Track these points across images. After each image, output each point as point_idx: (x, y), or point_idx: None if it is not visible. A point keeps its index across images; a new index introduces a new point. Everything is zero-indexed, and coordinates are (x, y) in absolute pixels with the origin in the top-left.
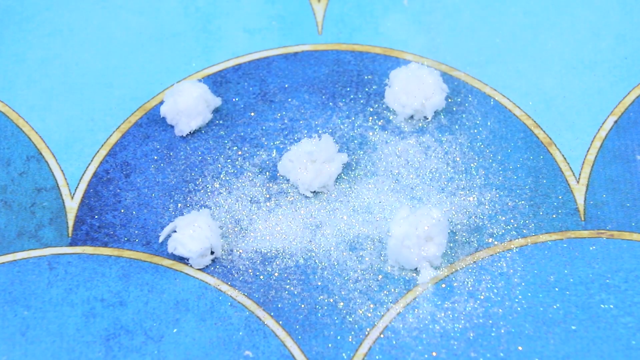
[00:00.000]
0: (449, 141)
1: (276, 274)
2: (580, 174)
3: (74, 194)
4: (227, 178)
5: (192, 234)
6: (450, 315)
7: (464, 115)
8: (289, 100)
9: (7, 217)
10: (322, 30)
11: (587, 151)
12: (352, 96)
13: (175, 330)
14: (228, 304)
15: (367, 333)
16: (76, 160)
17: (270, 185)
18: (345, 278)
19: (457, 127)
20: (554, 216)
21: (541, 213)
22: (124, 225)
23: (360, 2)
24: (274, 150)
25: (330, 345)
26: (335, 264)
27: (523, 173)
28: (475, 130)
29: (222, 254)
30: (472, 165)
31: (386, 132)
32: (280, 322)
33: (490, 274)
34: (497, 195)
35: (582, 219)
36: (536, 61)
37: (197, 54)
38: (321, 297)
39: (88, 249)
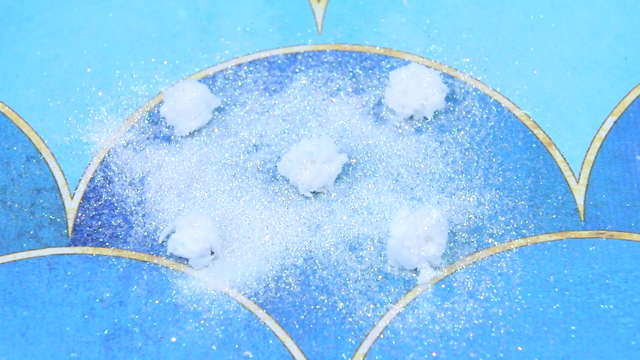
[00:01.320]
0: (449, 141)
1: (276, 274)
2: (580, 174)
3: (73, 194)
4: (227, 178)
5: (192, 234)
6: (450, 316)
7: (463, 115)
8: (289, 100)
9: (7, 217)
10: (322, 30)
11: (587, 151)
12: (352, 96)
13: (175, 330)
14: (228, 305)
15: (367, 333)
16: (76, 161)
17: (270, 185)
18: (345, 278)
19: (457, 127)
20: (554, 216)
21: (541, 213)
22: (124, 225)
23: (360, 2)
24: (274, 151)
25: (330, 345)
26: (335, 264)
27: (523, 173)
28: (475, 130)
29: (222, 254)
30: (472, 165)
31: (386, 132)
32: (280, 323)
33: (490, 274)
34: (497, 196)
35: (582, 219)
36: (536, 61)
37: (197, 54)
38: (321, 297)
39: (88, 249)
